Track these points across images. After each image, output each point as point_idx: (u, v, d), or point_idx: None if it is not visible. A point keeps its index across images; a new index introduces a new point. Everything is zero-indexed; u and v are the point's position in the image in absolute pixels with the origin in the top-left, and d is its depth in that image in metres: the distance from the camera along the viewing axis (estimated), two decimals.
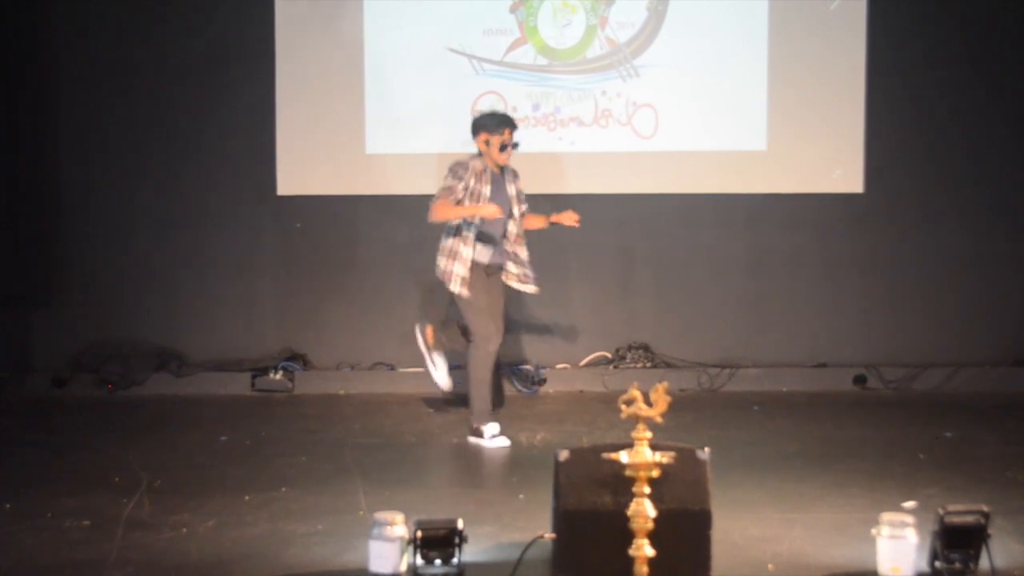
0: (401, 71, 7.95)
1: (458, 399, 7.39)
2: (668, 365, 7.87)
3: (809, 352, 7.98)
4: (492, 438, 6.19)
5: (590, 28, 7.95)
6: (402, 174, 7.92)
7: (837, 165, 7.97)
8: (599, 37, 7.96)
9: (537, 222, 6.57)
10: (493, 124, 6.27)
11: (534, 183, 7.93)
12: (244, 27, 7.94)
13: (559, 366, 7.92)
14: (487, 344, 6.23)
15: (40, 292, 7.98)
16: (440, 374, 6.56)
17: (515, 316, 7.76)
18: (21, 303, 7.92)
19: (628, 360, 7.88)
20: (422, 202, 7.37)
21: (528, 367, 7.56)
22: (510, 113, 7.88)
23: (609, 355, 7.99)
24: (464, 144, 7.92)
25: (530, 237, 7.93)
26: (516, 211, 6.40)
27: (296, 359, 7.91)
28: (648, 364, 7.86)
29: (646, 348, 7.94)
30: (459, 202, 6.19)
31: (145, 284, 8.03)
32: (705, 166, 7.98)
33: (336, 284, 8.06)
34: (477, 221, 6.20)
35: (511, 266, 6.41)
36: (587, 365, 7.97)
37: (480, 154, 6.31)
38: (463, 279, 6.20)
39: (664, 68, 7.95)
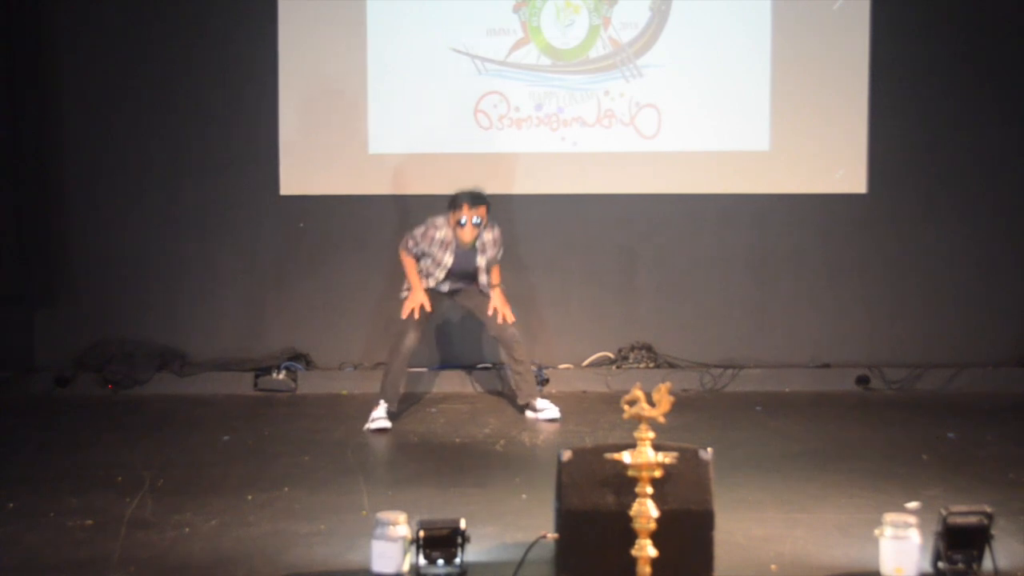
0: (404, 71, 7.95)
1: (458, 399, 7.41)
2: (671, 365, 7.87)
3: (812, 352, 7.98)
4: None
5: (593, 28, 7.95)
6: (405, 174, 7.93)
7: (840, 165, 7.97)
8: (602, 37, 7.96)
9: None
10: (454, 202, 6.76)
11: (537, 183, 7.99)
12: (247, 26, 7.94)
13: (562, 366, 7.92)
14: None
15: (43, 291, 7.98)
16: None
17: (518, 317, 7.75)
18: (24, 302, 7.92)
19: (631, 360, 7.88)
20: (425, 202, 7.40)
21: (531, 367, 7.55)
22: (513, 113, 7.93)
23: (612, 355, 7.98)
24: (465, 143, 7.96)
25: (534, 235, 7.99)
26: (481, 279, 6.90)
27: (299, 359, 7.90)
28: (651, 364, 7.86)
29: (649, 348, 7.94)
30: (419, 256, 6.83)
31: (148, 284, 8.04)
32: (708, 166, 7.98)
33: (339, 284, 8.06)
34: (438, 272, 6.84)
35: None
36: (590, 365, 7.97)
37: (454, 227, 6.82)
38: None
39: (667, 68, 7.95)
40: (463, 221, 6.68)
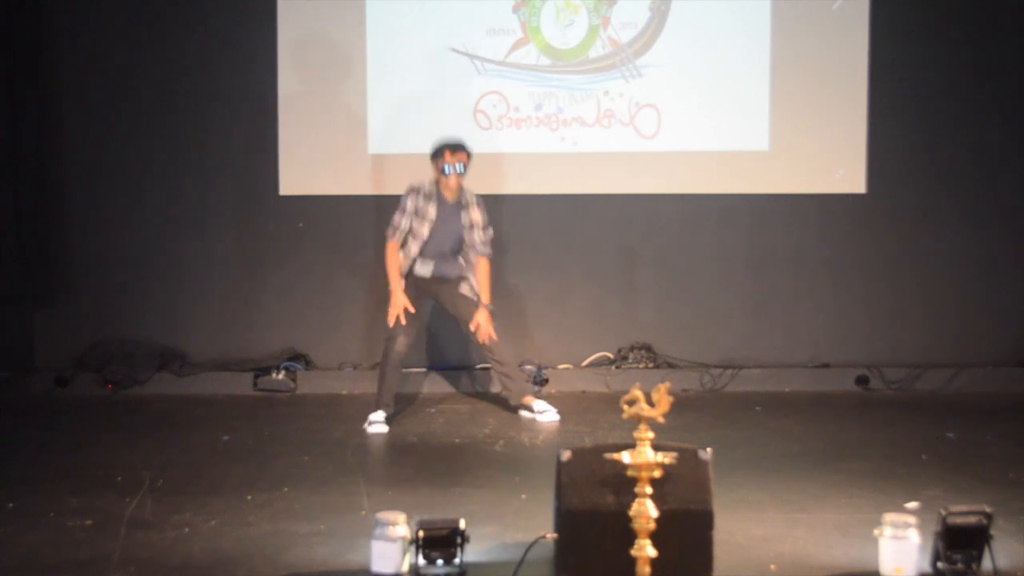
0: (403, 71, 7.95)
1: (458, 399, 7.42)
2: (670, 365, 7.87)
3: (811, 352, 7.98)
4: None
5: (593, 28, 7.95)
6: (404, 174, 7.87)
7: (839, 165, 7.97)
8: (601, 37, 7.96)
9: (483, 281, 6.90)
10: (436, 152, 6.78)
11: (536, 184, 7.99)
12: (247, 26, 7.94)
13: (561, 366, 7.91)
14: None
15: (43, 291, 7.98)
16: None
17: (517, 316, 7.77)
18: (24, 302, 7.92)
19: (630, 360, 7.88)
20: None
21: (530, 367, 7.57)
22: (512, 113, 7.93)
23: (611, 355, 7.98)
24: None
25: (534, 235, 7.99)
26: (468, 238, 6.82)
27: (298, 359, 7.91)
28: (650, 364, 7.86)
29: (648, 348, 7.94)
30: (405, 232, 6.79)
31: (147, 284, 8.04)
32: (707, 166, 7.98)
33: (338, 284, 8.06)
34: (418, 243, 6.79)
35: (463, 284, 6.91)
36: (589, 365, 7.97)
37: (437, 180, 6.81)
38: None
39: (666, 68, 7.95)
40: (447, 170, 6.69)
